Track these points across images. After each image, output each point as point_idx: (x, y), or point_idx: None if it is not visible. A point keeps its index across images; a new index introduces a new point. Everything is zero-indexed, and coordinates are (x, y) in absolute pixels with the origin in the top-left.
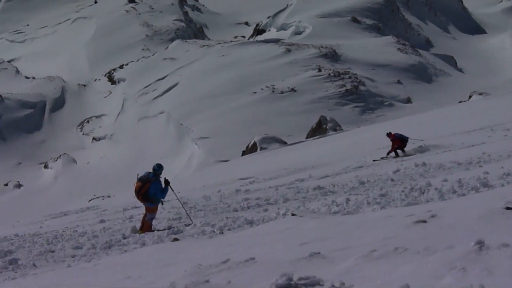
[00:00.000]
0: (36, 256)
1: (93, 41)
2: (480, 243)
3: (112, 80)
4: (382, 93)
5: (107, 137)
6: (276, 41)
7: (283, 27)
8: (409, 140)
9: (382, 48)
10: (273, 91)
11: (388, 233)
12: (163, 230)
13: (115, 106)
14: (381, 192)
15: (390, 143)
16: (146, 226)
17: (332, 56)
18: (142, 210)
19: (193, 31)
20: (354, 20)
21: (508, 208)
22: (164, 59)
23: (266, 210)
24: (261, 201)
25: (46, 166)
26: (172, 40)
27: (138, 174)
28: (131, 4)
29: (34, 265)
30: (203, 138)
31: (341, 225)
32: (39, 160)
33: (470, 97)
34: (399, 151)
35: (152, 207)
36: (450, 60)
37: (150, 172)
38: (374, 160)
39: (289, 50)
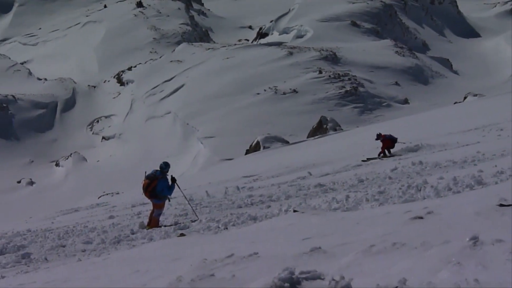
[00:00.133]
0: (48, 251)
1: (102, 44)
2: (475, 239)
3: (121, 82)
4: (381, 94)
5: (116, 136)
6: (278, 44)
7: (285, 31)
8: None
9: (381, 51)
10: (275, 92)
11: (386, 229)
12: (170, 225)
13: (123, 107)
14: (379, 190)
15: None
16: (153, 222)
17: (332, 58)
18: (150, 206)
19: (199, 34)
20: (354, 24)
21: (501, 205)
22: (171, 61)
23: (269, 206)
24: (264, 198)
25: (57, 164)
26: (178, 43)
27: (145, 172)
28: (139, 9)
29: (46, 259)
30: (208, 137)
31: (341, 221)
32: (50, 158)
33: (465, 98)
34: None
35: (159, 203)
36: (446, 63)
37: (157, 170)
38: (363, 160)
39: (291, 53)
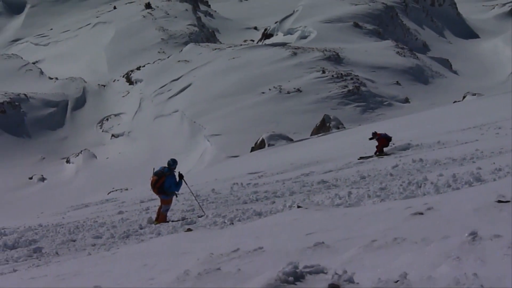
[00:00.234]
0: (58, 245)
1: (112, 44)
2: (474, 234)
3: (130, 81)
4: (382, 93)
5: (125, 134)
6: (283, 44)
7: (289, 32)
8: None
9: (382, 51)
10: (280, 92)
11: (387, 224)
12: (177, 221)
13: (132, 105)
14: (380, 186)
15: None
16: (161, 217)
17: (335, 59)
18: (158, 202)
19: (206, 35)
20: (356, 25)
21: (499, 202)
22: (179, 61)
23: (274, 202)
24: (269, 194)
25: (68, 161)
26: (186, 43)
27: (154, 169)
28: (148, 10)
29: (57, 253)
30: (215, 135)
31: (343, 217)
32: (61, 155)
33: (464, 97)
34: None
35: (167, 199)
36: (445, 63)
37: (165, 167)
38: (358, 158)
39: (295, 53)
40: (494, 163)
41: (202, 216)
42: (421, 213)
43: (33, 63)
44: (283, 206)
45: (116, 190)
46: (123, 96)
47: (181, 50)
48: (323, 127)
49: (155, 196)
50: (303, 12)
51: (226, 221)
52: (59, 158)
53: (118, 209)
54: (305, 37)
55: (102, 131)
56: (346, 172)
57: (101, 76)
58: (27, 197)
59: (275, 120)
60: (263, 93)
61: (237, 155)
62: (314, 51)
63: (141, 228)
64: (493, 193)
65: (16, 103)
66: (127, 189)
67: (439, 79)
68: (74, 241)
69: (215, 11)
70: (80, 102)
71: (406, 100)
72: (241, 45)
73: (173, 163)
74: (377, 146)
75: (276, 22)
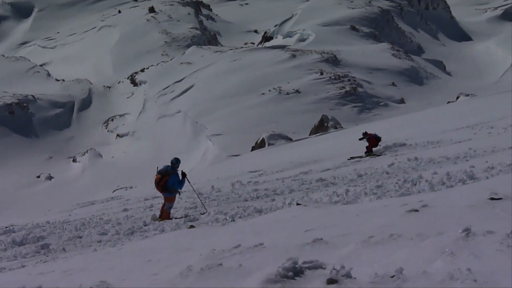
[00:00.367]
0: (65, 241)
1: (117, 47)
2: (468, 230)
3: (134, 82)
4: (378, 94)
5: (130, 134)
6: (282, 47)
7: (288, 35)
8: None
9: (378, 53)
10: (279, 93)
11: (384, 221)
12: (180, 218)
13: (136, 106)
14: (377, 184)
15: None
16: (165, 214)
17: (333, 61)
18: (162, 200)
19: (208, 38)
20: (353, 28)
21: (492, 199)
22: (181, 63)
23: (274, 200)
24: (269, 191)
25: (74, 160)
26: (188, 46)
27: (157, 167)
28: (152, 14)
29: (64, 249)
30: (217, 135)
31: (341, 214)
32: (68, 154)
33: (457, 98)
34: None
35: (171, 197)
36: (439, 65)
37: (168, 166)
38: (349, 159)
39: (294, 56)
40: (486, 162)
41: (204, 213)
42: (417, 210)
43: (41, 66)
44: (282, 204)
45: (121, 188)
46: (128, 97)
47: (184, 53)
48: (321, 127)
49: (159, 194)
50: (301, 16)
51: (227, 218)
52: (66, 157)
53: (123, 207)
54: (303, 40)
55: (108, 131)
56: (343, 170)
57: (106, 78)
58: (35, 195)
59: (275, 120)
60: (263, 94)
61: (238, 154)
62: (313, 53)
63: (145, 225)
64: (486, 191)
65: (24, 104)
66: (131, 187)
67: (433, 80)
68: (80, 237)
69: (217, 14)
70: (86, 103)
71: (402, 101)
72: (241, 47)
73: (176, 162)
74: (367, 147)
75: (275, 26)
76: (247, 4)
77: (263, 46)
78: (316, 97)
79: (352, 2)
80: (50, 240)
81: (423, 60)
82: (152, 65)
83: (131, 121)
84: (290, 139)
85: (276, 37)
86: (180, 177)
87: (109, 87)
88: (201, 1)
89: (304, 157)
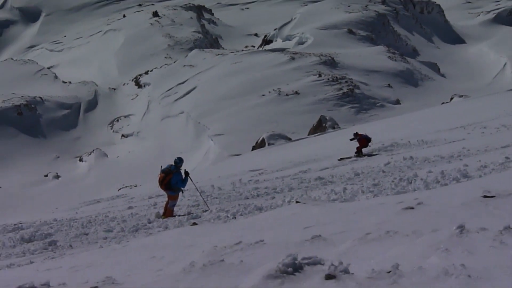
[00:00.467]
0: (72, 238)
1: (122, 50)
2: (462, 227)
3: (138, 84)
4: (375, 95)
5: (134, 134)
6: (282, 50)
7: (288, 38)
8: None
9: (375, 56)
10: (279, 94)
11: (380, 218)
12: (183, 215)
13: (141, 107)
14: (373, 182)
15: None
16: (168, 212)
17: (331, 63)
18: (165, 198)
19: (209, 41)
20: (350, 31)
21: (485, 197)
22: (184, 66)
23: (274, 198)
24: (269, 190)
25: (81, 160)
26: (191, 49)
27: (161, 166)
28: (155, 18)
29: (71, 246)
30: (218, 135)
31: (339, 211)
32: (75, 154)
33: (451, 99)
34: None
35: (174, 195)
36: (434, 67)
37: (172, 165)
38: (339, 159)
39: (293, 58)
40: (480, 161)
41: (206, 211)
42: (412, 208)
43: (48, 68)
44: (282, 201)
45: (126, 186)
46: (132, 99)
47: (187, 56)
48: (319, 127)
49: (163, 192)
50: (300, 20)
51: (229, 215)
52: (73, 157)
53: (128, 205)
54: (302, 43)
55: (113, 132)
56: (341, 169)
57: (112, 80)
58: (42, 193)
59: (275, 120)
60: (263, 95)
61: (239, 154)
62: (311, 56)
63: (149, 222)
64: (479, 189)
65: (32, 106)
66: (136, 186)
67: (428, 82)
68: (86, 234)
69: (218, 18)
70: (92, 104)
71: (397, 102)
72: (242, 50)
73: (179, 161)
74: (357, 147)
75: (275, 29)
76: (247, 8)
77: (263, 49)
78: (314, 98)
79: (349, 6)
80: (58, 237)
81: (418, 63)
82: (156, 68)
83: (135, 122)
84: (290, 139)
85: (276, 40)
86: (183, 176)
87: (114, 89)
88: (203, 6)
89: (303, 156)
